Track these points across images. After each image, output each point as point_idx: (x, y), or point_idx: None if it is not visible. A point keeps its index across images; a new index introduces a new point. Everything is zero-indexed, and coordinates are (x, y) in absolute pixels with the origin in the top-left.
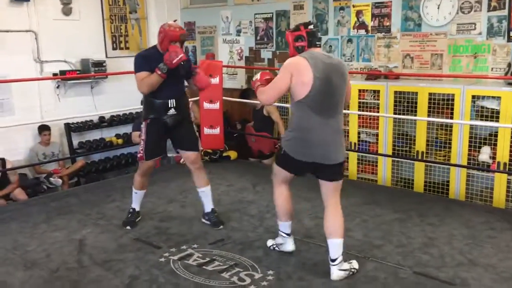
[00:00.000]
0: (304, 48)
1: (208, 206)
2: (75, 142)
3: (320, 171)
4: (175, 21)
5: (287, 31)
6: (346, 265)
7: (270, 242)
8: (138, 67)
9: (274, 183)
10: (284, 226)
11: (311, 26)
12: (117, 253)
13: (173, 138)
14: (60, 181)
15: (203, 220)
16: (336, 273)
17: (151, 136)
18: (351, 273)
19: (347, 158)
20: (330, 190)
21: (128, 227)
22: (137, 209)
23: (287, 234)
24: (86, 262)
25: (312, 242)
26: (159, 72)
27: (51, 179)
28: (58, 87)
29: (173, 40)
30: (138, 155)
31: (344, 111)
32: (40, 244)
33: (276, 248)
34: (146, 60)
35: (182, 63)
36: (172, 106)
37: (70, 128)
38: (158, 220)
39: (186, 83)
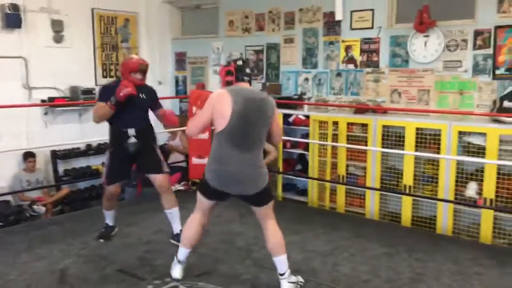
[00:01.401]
0: (232, 82)
1: (177, 228)
2: (61, 170)
3: (243, 198)
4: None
5: (220, 66)
6: (293, 278)
7: (293, 279)
8: (98, 97)
9: (195, 208)
10: (182, 252)
11: (239, 62)
12: (100, 284)
13: (138, 164)
14: (43, 209)
15: (172, 241)
16: (286, 285)
17: (113, 162)
18: (298, 286)
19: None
20: (261, 214)
21: (102, 240)
22: (111, 223)
23: (180, 262)
24: None
25: (300, 276)
26: (109, 104)
27: (35, 206)
28: (46, 113)
29: (132, 70)
30: (102, 180)
31: (333, 144)
32: (21, 273)
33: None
34: (107, 91)
35: (133, 96)
36: (132, 134)
37: (56, 155)
38: (143, 251)
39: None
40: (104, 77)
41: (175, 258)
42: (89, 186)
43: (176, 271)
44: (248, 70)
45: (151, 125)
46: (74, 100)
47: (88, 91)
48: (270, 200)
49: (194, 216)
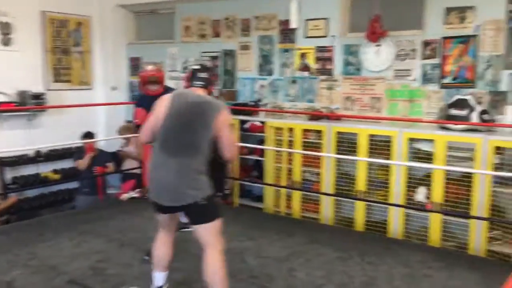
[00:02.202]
0: (188, 87)
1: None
2: (8, 177)
3: (184, 213)
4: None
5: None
6: None
7: None
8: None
9: None
10: (157, 278)
11: (195, 67)
12: None
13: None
14: None
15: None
16: None
17: None
18: None
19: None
20: (198, 235)
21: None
22: None
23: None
24: None
25: (256, 282)
26: None
27: None
28: None
29: (145, 83)
30: None
31: (288, 150)
32: None
33: None
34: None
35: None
36: None
37: (3, 163)
38: (94, 260)
39: None
40: (56, 81)
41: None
42: (38, 194)
43: None
44: (202, 75)
45: None
46: (22, 105)
47: (37, 96)
48: (209, 220)
49: (158, 234)
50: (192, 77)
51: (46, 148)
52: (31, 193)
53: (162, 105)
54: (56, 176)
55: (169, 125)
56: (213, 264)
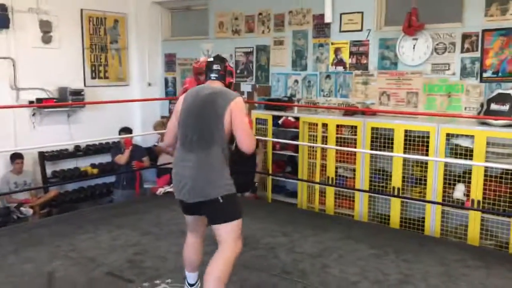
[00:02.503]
0: (205, 82)
1: None
2: (49, 171)
3: (201, 212)
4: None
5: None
6: None
7: None
8: None
9: None
10: (187, 276)
11: (210, 59)
12: (88, 287)
13: None
14: (31, 211)
15: None
16: None
17: None
18: None
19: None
20: (215, 233)
21: None
22: None
23: (189, 285)
24: None
25: (289, 277)
26: None
27: (22, 209)
28: (34, 115)
29: (195, 74)
30: None
31: (322, 146)
32: (8, 276)
33: None
34: None
35: None
36: None
37: (44, 157)
38: (131, 253)
39: None
40: (93, 78)
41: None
42: (77, 188)
43: None
44: (216, 67)
45: None
46: (62, 101)
47: (76, 92)
48: (227, 219)
49: (187, 236)
50: (208, 70)
51: (84, 143)
52: (70, 186)
53: (179, 104)
54: (94, 171)
55: (184, 121)
56: (217, 264)
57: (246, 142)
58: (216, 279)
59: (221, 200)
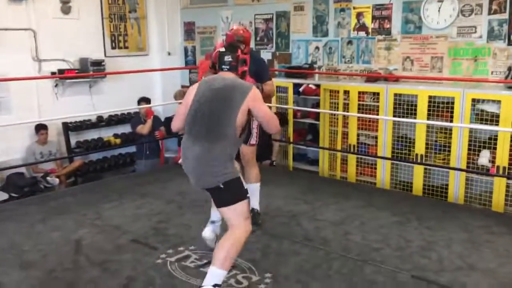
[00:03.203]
0: (217, 73)
1: (254, 204)
2: (73, 142)
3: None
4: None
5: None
6: None
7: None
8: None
9: None
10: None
11: (221, 49)
12: (114, 254)
13: None
14: (57, 180)
15: None
16: None
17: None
18: None
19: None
20: (223, 215)
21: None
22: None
23: (211, 222)
24: (83, 262)
25: (310, 244)
26: None
27: (48, 178)
28: (56, 86)
29: (230, 41)
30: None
31: (344, 113)
32: (36, 244)
33: None
34: None
35: None
36: None
37: (68, 128)
38: (155, 221)
39: None
40: (113, 48)
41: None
42: (101, 157)
43: (206, 230)
44: (226, 58)
45: None
46: (83, 71)
47: (97, 63)
48: (231, 202)
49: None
50: (219, 62)
51: (107, 114)
52: (94, 156)
53: (192, 93)
54: (117, 140)
55: (193, 112)
56: (224, 244)
57: (272, 128)
58: (223, 258)
59: (222, 186)
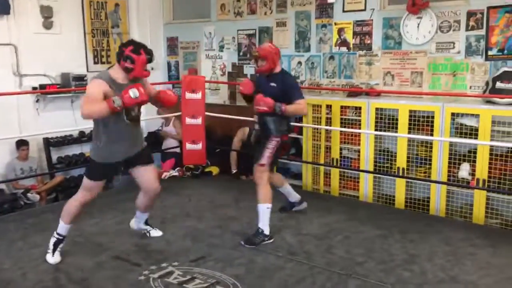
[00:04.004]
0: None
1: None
2: (54, 157)
3: None
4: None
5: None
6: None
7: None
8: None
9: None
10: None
11: None
12: (95, 271)
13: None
14: (37, 197)
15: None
16: None
17: (277, 152)
18: None
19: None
20: None
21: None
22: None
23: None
24: (63, 280)
25: (294, 259)
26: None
27: (29, 195)
28: (37, 101)
29: (254, 60)
30: (262, 162)
31: (327, 127)
32: (16, 262)
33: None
34: None
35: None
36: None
37: (49, 143)
38: (137, 237)
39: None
40: (96, 63)
41: None
42: (83, 173)
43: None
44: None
45: (274, 116)
46: (65, 86)
47: (79, 78)
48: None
49: None
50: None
51: (89, 129)
52: (76, 172)
53: None
54: None
55: None
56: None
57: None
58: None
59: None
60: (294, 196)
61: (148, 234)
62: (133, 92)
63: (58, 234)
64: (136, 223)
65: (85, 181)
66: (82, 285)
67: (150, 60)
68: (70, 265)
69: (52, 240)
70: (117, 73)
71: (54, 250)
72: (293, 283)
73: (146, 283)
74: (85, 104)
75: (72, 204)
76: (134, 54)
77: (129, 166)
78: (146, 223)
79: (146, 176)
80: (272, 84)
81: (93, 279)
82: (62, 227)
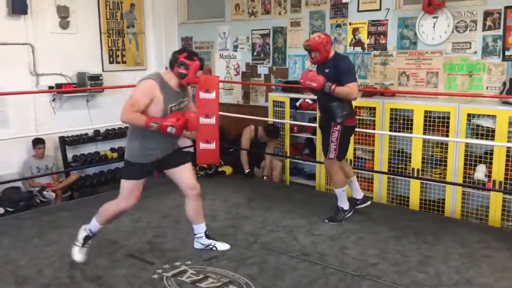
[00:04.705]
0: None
1: (358, 195)
2: (70, 156)
3: None
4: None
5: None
6: None
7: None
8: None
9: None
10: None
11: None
12: (109, 269)
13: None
14: (53, 195)
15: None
16: None
17: (345, 138)
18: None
19: None
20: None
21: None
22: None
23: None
24: (78, 277)
25: (307, 259)
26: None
27: (44, 192)
28: (53, 100)
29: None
30: (331, 156)
31: None
32: (32, 259)
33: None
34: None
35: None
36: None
37: (65, 142)
38: (152, 235)
39: None
40: (111, 62)
41: None
42: (98, 172)
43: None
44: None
45: (335, 101)
46: (81, 86)
47: (95, 77)
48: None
49: None
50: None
51: (104, 128)
52: (91, 170)
53: None
54: (114, 154)
55: None
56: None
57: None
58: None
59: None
60: (359, 193)
61: (214, 248)
62: (170, 129)
63: (90, 230)
64: (198, 240)
65: (122, 183)
66: (97, 283)
67: (202, 67)
68: (85, 262)
69: (83, 234)
70: (169, 78)
71: (83, 244)
72: (305, 283)
73: (160, 281)
74: (128, 109)
75: (110, 207)
76: (188, 60)
77: (165, 167)
78: (208, 237)
79: (183, 174)
80: (326, 70)
81: (107, 276)
82: (95, 226)
